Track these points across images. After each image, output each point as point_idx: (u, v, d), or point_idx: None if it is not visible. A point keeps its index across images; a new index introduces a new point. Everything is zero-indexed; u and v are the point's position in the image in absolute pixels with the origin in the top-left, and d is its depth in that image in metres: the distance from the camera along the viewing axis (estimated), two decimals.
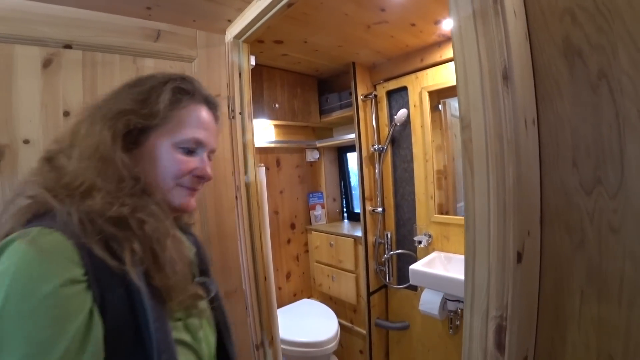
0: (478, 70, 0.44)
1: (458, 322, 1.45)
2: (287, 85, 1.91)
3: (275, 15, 0.98)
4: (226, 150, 1.15)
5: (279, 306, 1.96)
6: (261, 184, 1.25)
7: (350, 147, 2.18)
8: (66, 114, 0.85)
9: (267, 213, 1.28)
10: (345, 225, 2.18)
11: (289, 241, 2.17)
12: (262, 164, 1.27)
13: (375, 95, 1.74)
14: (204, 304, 0.51)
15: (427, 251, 1.57)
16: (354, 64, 1.68)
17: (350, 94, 1.75)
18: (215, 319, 0.56)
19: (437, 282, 1.30)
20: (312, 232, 2.16)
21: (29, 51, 0.80)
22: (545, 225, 0.58)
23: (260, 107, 1.80)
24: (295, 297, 2.17)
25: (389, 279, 1.75)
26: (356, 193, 2.23)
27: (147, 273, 0.40)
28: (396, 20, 1.25)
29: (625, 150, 0.48)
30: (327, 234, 2.03)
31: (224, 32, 1.17)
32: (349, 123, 2.02)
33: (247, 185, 1.21)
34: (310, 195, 2.26)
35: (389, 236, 1.76)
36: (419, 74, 1.55)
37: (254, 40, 1.19)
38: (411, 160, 1.63)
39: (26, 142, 0.79)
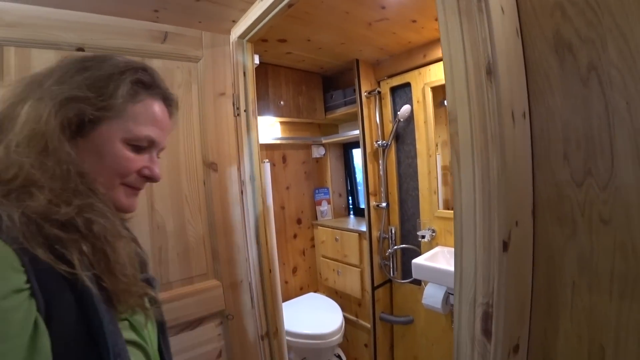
0: (463, 66, 0.45)
1: None
2: (292, 82, 1.94)
3: (277, 15, 1.01)
4: (231, 147, 1.19)
5: (286, 300, 2.01)
6: (265, 178, 1.28)
7: (356, 144, 2.18)
8: None
9: (272, 207, 1.32)
10: (351, 221, 2.20)
11: (295, 236, 2.21)
12: (267, 160, 1.31)
13: (379, 92, 1.75)
14: (147, 302, 0.48)
15: (430, 246, 1.58)
16: (357, 61, 1.70)
17: (355, 90, 1.76)
18: (155, 316, 0.53)
19: (439, 276, 1.31)
20: (318, 227, 2.19)
21: (44, 54, 0.85)
22: (538, 217, 0.59)
23: (266, 104, 1.83)
24: (301, 291, 2.21)
25: (393, 274, 1.77)
26: (362, 189, 2.24)
27: (97, 276, 0.38)
28: (397, 17, 1.26)
29: (614, 142, 0.49)
30: (333, 229, 2.05)
31: (228, 32, 1.20)
32: (354, 119, 2.04)
33: (252, 180, 1.24)
34: (317, 191, 2.29)
35: (393, 231, 1.78)
36: (422, 70, 1.55)
37: (258, 39, 1.22)
38: (415, 156, 1.64)
39: None
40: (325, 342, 1.62)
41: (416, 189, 1.66)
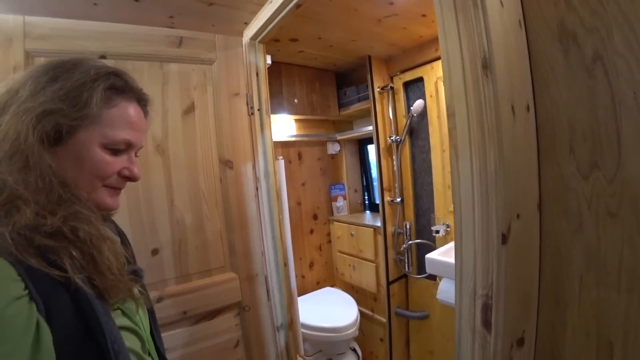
0: (460, 61, 0.46)
1: None
2: (306, 80, 1.96)
3: (286, 16, 1.03)
4: (246, 145, 1.23)
5: (302, 294, 2.06)
6: (280, 175, 1.32)
7: (371, 139, 2.18)
8: None
9: (287, 203, 1.36)
10: (367, 216, 2.21)
11: (312, 231, 2.24)
12: (281, 157, 1.34)
13: (392, 87, 1.74)
14: (136, 290, 0.52)
15: (445, 241, 1.57)
16: (369, 57, 1.69)
17: (368, 86, 1.76)
18: (145, 304, 0.56)
19: (452, 271, 1.30)
20: (334, 222, 2.22)
21: None
22: (544, 211, 0.58)
23: (280, 102, 1.86)
24: (318, 286, 2.25)
25: (408, 269, 1.77)
26: (377, 184, 2.24)
27: (87, 277, 0.41)
28: (406, 13, 1.25)
29: (621, 134, 0.48)
30: (348, 224, 2.07)
31: (241, 34, 1.24)
32: (368, 115, 2.03)
33: (267, 177, 1.29)
34: (332, 187, 2.31)
35: (408, 226, 1.77)
36: (435, 64, 1.53)
37: (270, 40, 1.25)
38: (429, 151, 1.63)
39: None
40: (340, 335, 1.65)
41: (430, 183, 1.64)
